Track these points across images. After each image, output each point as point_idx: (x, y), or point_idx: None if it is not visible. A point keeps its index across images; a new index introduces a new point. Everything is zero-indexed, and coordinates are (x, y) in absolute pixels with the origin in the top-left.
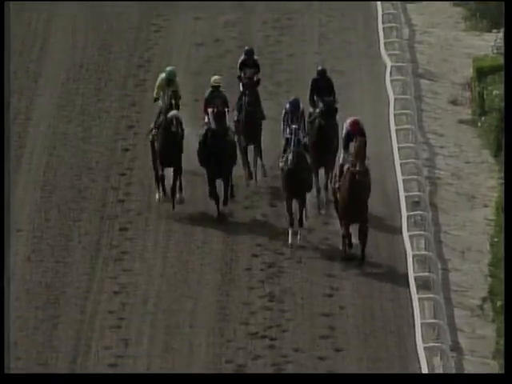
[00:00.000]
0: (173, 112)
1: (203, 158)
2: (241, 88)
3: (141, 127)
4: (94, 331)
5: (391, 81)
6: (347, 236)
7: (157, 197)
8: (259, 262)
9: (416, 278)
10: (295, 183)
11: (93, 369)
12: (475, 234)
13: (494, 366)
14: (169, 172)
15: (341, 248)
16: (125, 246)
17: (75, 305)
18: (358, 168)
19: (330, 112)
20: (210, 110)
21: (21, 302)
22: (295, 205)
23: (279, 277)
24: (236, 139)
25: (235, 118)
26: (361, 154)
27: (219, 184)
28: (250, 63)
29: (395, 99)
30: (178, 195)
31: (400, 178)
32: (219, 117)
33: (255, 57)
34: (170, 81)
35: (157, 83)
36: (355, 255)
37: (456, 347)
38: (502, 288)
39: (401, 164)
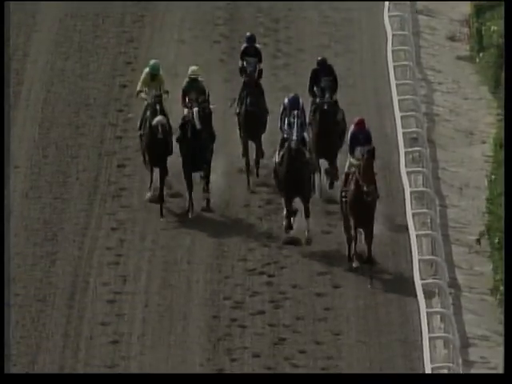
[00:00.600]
0: (158, 118)
1: (182, 151)
2: (243, 79)
3: (138, 63)
4: (92, 267)
5: (389, 17)
6: (353, 239)
7: (148, 195)
8: (257, 199)
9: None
10: (296, 177)
11: (91, 305)
12: (473, 171)
13: (492, 303)
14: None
15: (346, 254)
16: (123, 183)
17: (73, 241)
18: (365, 189)
19: (330, 98)
20: (195, 110)
21: (19, 238)
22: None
23: (277, 214)
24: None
25: (236, 111)
26: (368, 175)
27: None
28: (251, 51)
29: (393, 35)
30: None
31: (398, 114)
32: (205, 119)
33: (257, 44)
34: (154, 76)
35: (141, 77)
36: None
37: (454, 284)
38: (499, 224)
39: (399, 100)
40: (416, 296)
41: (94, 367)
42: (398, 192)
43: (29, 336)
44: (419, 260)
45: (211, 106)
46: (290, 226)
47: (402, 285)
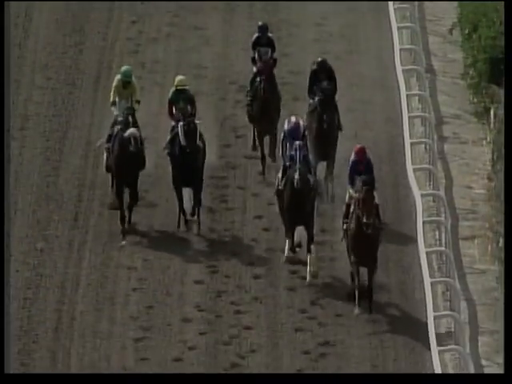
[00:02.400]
0: (130, 130)
1: (171, 165)
2: (254, 69)
3: None
4: (115, 56)
5: None
6: (356, 274)
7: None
8: None
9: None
10: (300, 207)
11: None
12: None
13: (463, 86)
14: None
15: (349, 284)
16: None
17: (98, 33)
18: (365, 220)
19: (328, 102)
20: (180, 125)
21: (49, 30)
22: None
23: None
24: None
25: (248, 99)
26: (367, 206)
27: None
28: (263, 41)
29: None
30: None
31: None
32: (190, 133)
33: (269, 34)
34: (126, 83)
35: (113, 85)
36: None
37: (430, 69)
38: (469, 17)
39: None
40: (397, 81)
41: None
42: None
43: (60, 115)
44: (400, 49)
45: (197, 121)
46: (293, 250)
47: (385, 71)
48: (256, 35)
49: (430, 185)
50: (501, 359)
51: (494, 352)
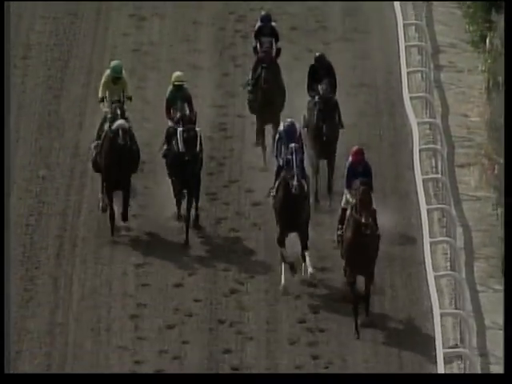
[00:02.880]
0: (119, 122)
1: (167, 166)
2: (256, 58)
3: None
4: None
5: None
6: (352, 288)
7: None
8: None
9: None
10: (295, 213)
11: (116, 19)
12: None
13: (459, 15)
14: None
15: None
16: None
17: None
18: (363, 220)
19: (328, 107)
20: (179, 131)
21: None
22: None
23: None
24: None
25: (249, 89)
26: (365, 206)
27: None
28: (266, 31)
29: None
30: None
31: None
32: (190, 141)
33: (273, 23)
34: (115, 78)
35: (102, 81)
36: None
37: None
38: None
39: None
40: (393, 10)
41: None
42: None
43: (62, 44)
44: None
45: (197, 129)
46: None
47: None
48: (258, 25)
49: (426, 113)
50: (496, 285)
51: (488, 277)
